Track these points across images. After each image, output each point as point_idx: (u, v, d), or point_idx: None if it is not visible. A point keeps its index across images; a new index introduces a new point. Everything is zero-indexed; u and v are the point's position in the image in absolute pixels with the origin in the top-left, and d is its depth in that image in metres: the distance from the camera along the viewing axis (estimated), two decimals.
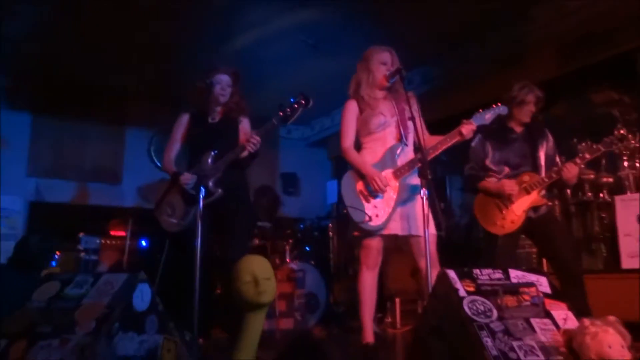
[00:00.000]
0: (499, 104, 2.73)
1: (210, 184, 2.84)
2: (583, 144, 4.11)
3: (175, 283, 2.88)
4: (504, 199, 2.96)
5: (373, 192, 2.69)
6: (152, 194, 5.49)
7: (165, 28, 4.70)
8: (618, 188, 3.90)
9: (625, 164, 3.87)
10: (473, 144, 3.15)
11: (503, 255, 2.94)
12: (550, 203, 3.09)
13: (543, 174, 2.99)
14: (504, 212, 2.97)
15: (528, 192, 2.95)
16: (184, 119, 3.19)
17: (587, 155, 2.90)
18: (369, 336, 2.71)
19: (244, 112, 3.18)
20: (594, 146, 2.93)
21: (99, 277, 1.78)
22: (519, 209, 2.94)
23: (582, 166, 2.99)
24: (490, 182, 3.03)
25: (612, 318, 1.54)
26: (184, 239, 2.97)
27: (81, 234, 4.49)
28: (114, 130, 6.15)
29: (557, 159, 3.10)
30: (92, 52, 5.14)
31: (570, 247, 3.06)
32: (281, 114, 2.80)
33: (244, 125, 3.16)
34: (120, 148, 6.15)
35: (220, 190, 2.81)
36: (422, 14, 4.53)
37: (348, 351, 3.07)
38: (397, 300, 4.54)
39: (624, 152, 3.87)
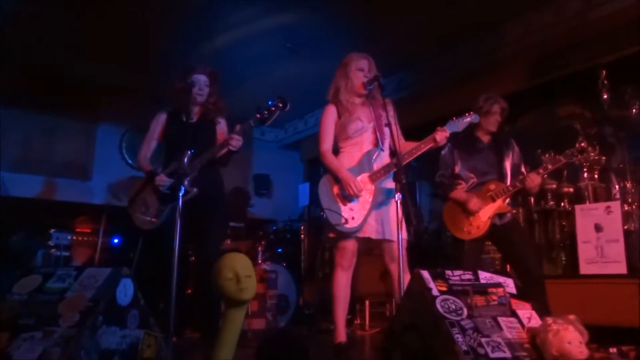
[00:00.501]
0: (471, 113, 2.86)
1: (186, 182, 2.83)
2: (547, 155, 4.31)
3: (148, 281, 2.87)
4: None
5: (349, 197, 2.76)
6: (123, 192, 5.44)
7: (142, 23, 4.66)
8: (578, 198, 4.09)
9: (585, 175, 4.07)
10: (443, 152, 3.30)
11: (469, 259, 3.08)
12: (514, 210, 3.26)
13: (508, 182, 3.15)
14: (470, 218, 3.13)
15: (493, 200, 3.10)
16: (162, 117, 3.17)
17: (549, 166, 3.10)
18: (341, 336, 2.77)
19: (222, 112, 3.18)
20: (556, 157, 3.13)
21: (82, 271, 1.79)
22: (485, 215, 3.10)
23: (545, 176, 3.17)
24: (459, 193, 3.18)
25: (572, 317, 1.66)
26: (157, 237, 2.98)
27: (52, 230, 4.41)
28: (85, 126, 6.04)
29: (523, 169, 3.28)
30: (65, 45, 5.05)
31: (533, 252, 3.23)
32: (259, 115, 2.81)
33: (222, 126, 3.17)
34: (91, 144, 6.04)
35: (195, 190, 2.78)
36: (399, 23, 4.67)
37: (320, 350, 3.13)
38: (367, 302, 4.64)
39: (584, 164, 4.06)
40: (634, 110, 4.01)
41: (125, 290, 1.74)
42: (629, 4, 3.91)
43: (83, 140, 6.00)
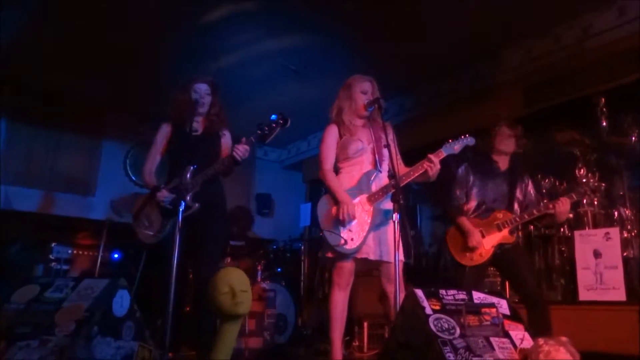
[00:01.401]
0: (467, 135, 2.90)
1: (188, 198, 2.83)
2: (547, 181, 4.35)
3: (149, 297, 2.88)
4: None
5: (349, 217, 2.79)
6: (124, 208, 5.48)
7: (147, 43, 4.76)
8: (578, 224, 4.10)
9: (585, 201, 4.09)
10: (459, 171, 3.30)
11: (469, 284, 3.05)
12: (516, 240, 3.26)
13: (517, 212, 3.16)
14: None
15: (499, 229, 3.10)
16: (166, 129, 3.14)
17: (574, 196, 3.12)
18: (337, 355, 2.78)
19: (225, 124, 3.16)
20: (569, 193, 3.13)
21: (79, 282, 1.82)
22: (489, 244, 3.09)
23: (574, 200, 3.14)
24: (466, 222, 3.16)
25: (563, 338, 1.67)
26: (160, 252, 2.98)
27: (53, 244, 4.44)
28: (90, 142, 6.12)
29: (536, 199, 3.25)
30: (72, 63, 5.16)
31: (534, 276, 3.27)
32: (259, 132, 2.82)
33: (226, 139, 3.14)
34: (95, 160, 6.11)
35: (197, 205, 2.77)
36: (400, 48, 4.77)
37: None
38: (365, 324, 4.61)
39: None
40: (633, 138, 4.05)
41: (122, 302, 1.76)
42: (627, 34, 3.99)
43: (87, 156, 6.08)
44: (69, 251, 4.53)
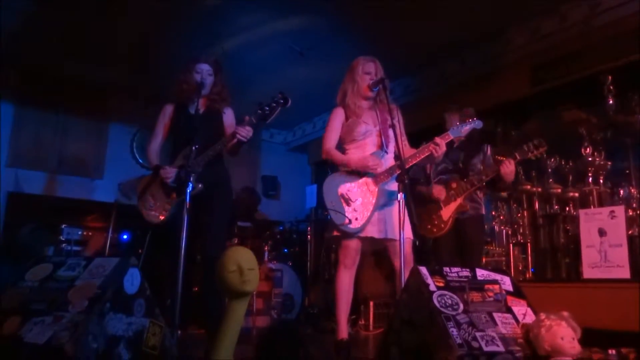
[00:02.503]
0: (475, 119, 2.92)
1: (191, 179, 2.85)
2: (552, 160, 4.35)
3: (156, 276, 2.93)
4: (433, 204, 3.32)
5: (354, 196, 2.82)
6: (132, 191, 5.53)
7: (153, 27, 4.76)
8: (583, 203, 4.11)
9: (590, 180, 4.09)
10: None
11: (437, 256, 3.31)
12: (472, 207, 3.35)
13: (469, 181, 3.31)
14: (433, 217, 3.32)
15: (454, 199, 3.28)
16: (168, 110, 3.15)
17: (517, 155, 3.21)
18: (343, 333, 2.83)
19: (227, 101, 3.15)
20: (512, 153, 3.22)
21: (91, 261, 1.86)
22: (446, 214, 3.29)
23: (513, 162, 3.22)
24: (422, 187, 3.40)
25: (565, 313, 1.70)
26: (165, 233, 3.02)
27: (63, 226, 4.51)
28: (97, 125, 6.17)
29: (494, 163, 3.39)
30: (78, 47, 5.17)
31: (480, 251, 3.56)
32: (260, 112, 2.82)
33: (228, 116, 3.14)
34: (103, 143, 6.17)
35: (200, 186, 2.75)
36: (406, 28, 4.73)
37: (322, 347, 3.18)
38: (371, 303, 4.67)
39: (589, 169, 4.09)
40: (639, 117, 4.02)
41: (132, 280, 1.81)
42: (634, 12, 3.94)
43: (95, 139, 6.13)
44: (79, 232, 4.61)
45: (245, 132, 2.83)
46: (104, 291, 1.70)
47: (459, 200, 3.27)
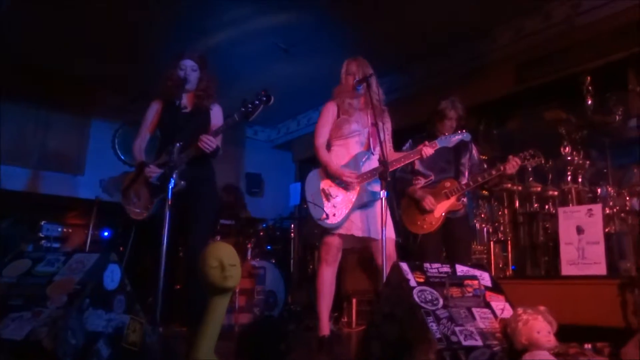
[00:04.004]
0: (464, 131, 3.01)
1: (175, 175, 2.83)
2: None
3: (139, 273, 2.92)
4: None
5: (334, 192, 2.84)
6: (114, 187, 5.48)
7: (136, 21, 4.71)
8: (562, 201, 4.17)
9: (569, 178, 4.16)
10: (404, 149, 3.39)
11: (424, 252, 3.27)
12: (464, 206, 3.42)
13: (464, 181, 3.34)
14: (424, 214, 3.32)
15: (448, 197, 3.30)
16: (155, 106, 3.14)
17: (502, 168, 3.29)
18: (325, 329, 2.85)
19: (213, 97, 3.14)
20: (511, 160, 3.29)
21: (70, 256, 1.84)
22: (438, 212, 3.30)
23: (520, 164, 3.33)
24: (416, 191, 3.35)
25: (541, 308, 1.73)
26: (148, 229, 3.00)
27: (43, 222, 4.45)
28: (79, 121, 6.10)
29: (485, 166, 3.46)
30: (59, 42, 5.10)
31: (469, 250, 3.59)
32: (243, 109, 2.82)
33: (215, 112, 3.14)
34: (84, 139, 6.10)
35: (183, 182, 2.75)
36: (391, 26, 4.75)
37: (304, 344, 3.19)
38: (354, 300, 4.70)
39: (569, 168, 4.15)
40: (617, 117, 4.09)
41: (112, 275, 1.79)
42: (615, 12, 4.02)
43: (76, 135, 6.06)
44: (59, 229, 4.55)
45: (208, 142, 2.83)
46: (83, 287, 1.68)
47: (453, 199, 3.29)
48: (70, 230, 4.65)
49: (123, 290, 1.84)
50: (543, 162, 3.66)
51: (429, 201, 3.26)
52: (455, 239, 3.36)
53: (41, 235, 4.42)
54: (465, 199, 3.46)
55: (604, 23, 4.11)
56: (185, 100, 3.09)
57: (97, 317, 1.70)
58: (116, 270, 1.82)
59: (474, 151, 3.50)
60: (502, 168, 3.26)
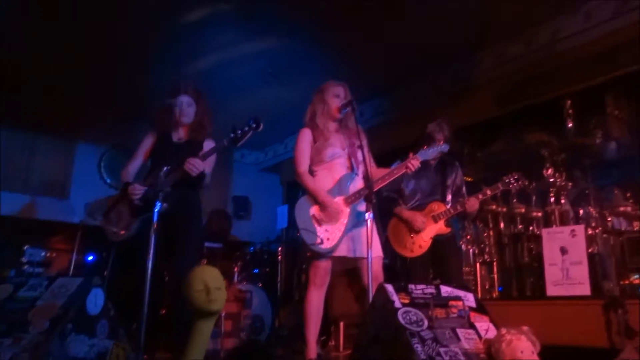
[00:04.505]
0: (442, 143, 3.03)
1: (160, 196, 2.82)
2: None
3: (120, 297, 2.87)
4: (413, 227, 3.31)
5: (326, 218, 2.85)
6: (99, 211, 5.42)
7: (124, 44, 4.74)
8: (546, 222, 4.23)
9: (552, 200, 4.22)
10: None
11: (413, 276, 3.25)
12: (452, 230, 3.43)
13: (449, 204, 3.37)
14: (413, 237, 3.32)
15: (435, 221, 3.31)
16: (151, 138, 3.18)
17: (488, 192, 3.35)
18: (312, 353, 2.83)
19: (207, 130, 3.18)
20: (496, 185, 3.37)
21: (53, 281, 1.83)
22: (427, 235, 3.30)
23: (481, 199, 3.37)
24: (404, 211, 3.36)
25: (525, 327, 1.75)
26: (128, 251, 2.99)
27: (26, 246, 4.39)
28: (64, 144, 6.07)
29: (464, 190, 3.49)
30: (45, 64, 5.09)
31: (460, 269, 3.57)
32: (232, 135, 2.83)
33: (207, 146, 3.13)
34: (70, 162, 6.06)
35: (165, 205, 2.70)
36: (376, 50, 4.85)
37: None
38: (342, 324, 4.66)
39: (551, 190, 4.22)
40: (597, 140, 4.20)
41: (96, 300, 1.78)
42: (593, 38, 4.15)
43: (62, 158, 6.02)
44: (42, 254, 4.49)
45: (194, 164, 2.84)
46: (65, 312, 1.67)
47: (441, 224, 3.30)
48: (53, 255, 4.60)
49: (106, 314, 1.82)
50: (527, 184, 3.71)
51: (419, 219, 3.27)
52: (444, 259, 3.35)
53: (24, 260, 4.36)
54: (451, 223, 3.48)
55: (583, 49, 4.23)
56: (181, 133, 3.14)
57: (80, 343, 1.68)
58: (99, 294, 1.80)
59: (459, 175, 3.53)
60: (459, 207, 3.29)
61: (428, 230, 3.30)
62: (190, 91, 3.13)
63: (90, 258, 4.81)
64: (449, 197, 3.41)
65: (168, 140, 3.12)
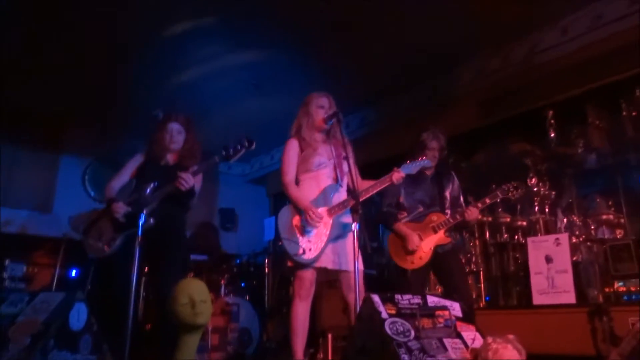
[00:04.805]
0: (424, 157, 3.06)
1: (145, 212, 2.78)
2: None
3: (100, 312, 2.83)
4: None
5: (308, 227, 2.84)
6: (83, 224, 5.35)
7: (106, 57, 4.72)
8: (531, 231, 4.27)
9: (536, 209, 4.27)
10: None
11: (414, 287, 3.18)
12: (453, 240, 3.40)
13: (448, 214, 3.34)
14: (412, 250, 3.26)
15: (435, 232, 3.27)
16: (138, 158, 3.23)
17: (487, 200, 3.33)
18: None
19: (197, 158, 3.23)
20: (495, 192, 3.34)
21: (35, 296, 1.80)
22: (427, 246, 3.26)
23: (480, 207, 3.34)
24: (402, 227, 3.31)
25: (510, 336, 1.75)
26: (108, 267, 2.96)
27: (7, 261, 4.31)
28: (47, 157, 5.98)
29: (462, 200, 3.48)
30: (27, 78, 5.05)
31: (466, 282, 3.48)
32: (224, 152, 2.88)
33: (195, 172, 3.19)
34: (53, 176, 5.97)
35: (152, 221, 2.75)
36: (360, 62, 4.89)
37: None
38: (330, 335, 4.63)
39: (535, 199, 4.27)
40: (579, 149, 4.27)
41: (79, 315, 1.75)
42: (570, 51, 4.25)
43: (45, 171, 5.93)
44: (24, 269, 4.41)
45: (185, 179, 2.87)
46: (47, 327, 1.64)
47: (440, 234, 3.26)
48: (35, 270, 4.52)
49: (90, 330, 1.79)
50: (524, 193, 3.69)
51: (412, 242, 3.23)
52: (449, 273, 3.28)
53: (5, 275, 4.28)
54: (453, 234, 3.46)
55: (561, 61, 4.32)
56: (169, 159, 3.20)
57: (62, 359, 1.64)
58: (82, 309, 1.78)
59: (456, 185, 3.51)
60: (458, 217, 3.26)
61: (428, 240, 3.26)
62: (180, 119, 3.21)
63: (74, 273, 4.73)
64: (447, 207, 3.38)
65: (156, 163, 3.17)
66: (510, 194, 3.33)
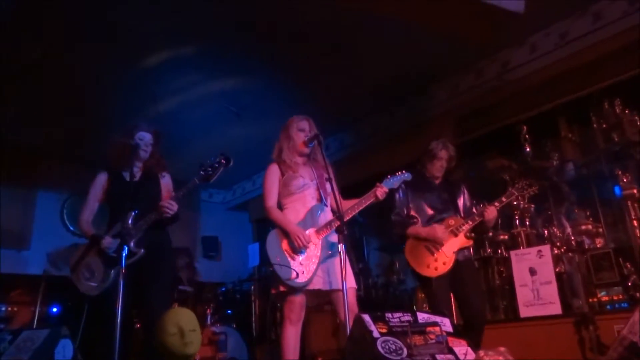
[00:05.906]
0: (404, 171, 3.07)
1: (132, 244, 2.75)
2: (480, 205, 4.58)
3: (95, 351, 2.76)
4: (434, 243, 3.17)
5: (297, 250, 2.83)
6: (63, 260, 5.22)
7: (84, 89, 4.70)
8: (513, 244, 4.33)
9: (517, 222, 4.34)
10: (397, 195, 3.38)
11: (440, 296, 3.10)
12: (472, 243, 3.33)
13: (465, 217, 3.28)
14: (435, 254, 3.15)
15: (455, 235, 3.19)
16: (102, 177, 3.09)
17: (504, 199, 3.27)
18: None
19: (164, 167, 3.17)
20: (509, 190, 3.32)
21: (18, 335, 1.74)
22: (449, 250, 3.15)
23: (498, 207, 3.27)
24: (420, 228, 3.25)
25: (502, 349, 1.77)
26: (103, 303, 2.88)
27: None
28: (24, 192, 5.85)
29: (475, 211, 3.38)
30: (2, 111, 4.98)
31: (480, 294, 3.41)
32: (202, 172, 2.82)
33: (166, 180, 3.15)
34: (30, 211, 5.84)
35: (142, 251, 2.75)
36: (338, 87, 4.98)
37: None
38: (319, 359, 4.59)
39: (515, 212, 4.34)
40: (554, 162, 4.37)
41: (64, 352, 1.70)
42: (541, 67, 4.40)
43: (21, 207, 5.79)
44: (3, 308, 4.27)
45: (169, 206, 2.84)
46: None
47: (461, 236, 3.18)
48: (15, 309, 4.37)
49: None
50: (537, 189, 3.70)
51: (437, 232, 3.15)
52: (463, 282, 3.18)
53: None
54: (473, 234, 3.34)
55: (532, 78, 4.47)
56: (135, 170, 3.06)
57: None
58: (68, 345, 1.73)
59: (467, 195, 3.47)
60: (477, 217, 3.21)
61: (449, 244, 3.16)
62: (150, 130, 3.12)
63: (55, 310, 4.60)
64: (462, 214, 3.32)
65: (123, 179, 3.04)
66: (525, 192, 3.32)
